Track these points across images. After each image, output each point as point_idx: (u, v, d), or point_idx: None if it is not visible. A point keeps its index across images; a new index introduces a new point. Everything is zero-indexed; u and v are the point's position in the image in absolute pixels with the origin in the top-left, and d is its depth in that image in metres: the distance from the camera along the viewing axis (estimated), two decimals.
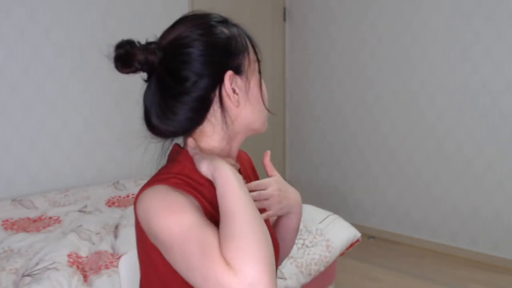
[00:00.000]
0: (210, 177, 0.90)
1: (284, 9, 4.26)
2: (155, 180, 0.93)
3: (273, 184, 1.03)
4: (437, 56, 3.41)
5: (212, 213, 0.91)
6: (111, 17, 3.11)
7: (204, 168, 0.91)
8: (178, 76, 0.92)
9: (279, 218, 1.13)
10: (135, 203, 0.93)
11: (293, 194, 1.07)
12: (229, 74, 0.94)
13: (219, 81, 0.94)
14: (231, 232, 0.79)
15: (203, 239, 0.80)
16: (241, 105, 0.96)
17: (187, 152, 0.99)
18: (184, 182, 0.92)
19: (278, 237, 1.11)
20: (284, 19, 4.27)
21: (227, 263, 0.76)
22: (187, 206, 0.86)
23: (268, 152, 1.08)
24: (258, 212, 0.84)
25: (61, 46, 2.91)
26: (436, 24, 3.40)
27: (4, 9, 2.68)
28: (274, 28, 4.22)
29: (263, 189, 1.01)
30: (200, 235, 0.80)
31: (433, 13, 3.40)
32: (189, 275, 0.80)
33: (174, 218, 0.83)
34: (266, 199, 1.01)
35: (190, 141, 0.98)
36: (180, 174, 0.94)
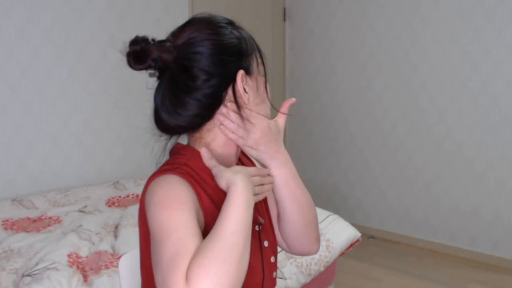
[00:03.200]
0: (225, 189, 0.90)
1: (284, 9, 4.26)
2: (163, 170, 0.94)
3: (265, 125, 0.99)
4: (437, 56, 3.41)
5: (212, 208, 0.93)
6: (111, 17, 3.11)
7: (224, 182, 0.90)
8: (192, 74, 0.94)
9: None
10: (143, 194, 0.94)
11: (274, 148, 1.02)
12: (241, 73, 0.97)
13: (231, 80, 0.97)
14: (207, 248, 0.77)
15: (182, 244, 0.79)
16: (250, 104, 0.99)
17: (191, 148, 1.01)
18: (188, 173, 0.94)
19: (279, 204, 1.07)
20: (284, 19, 4.27)
21: (188, 275, 0.74)
22: (185, 205, 0.86)
23: (294, 99, 1.07)
24: (248, 242, 0.82)
25: (61, 46, 2.91)
26: (436, 24, 3.40)
27: (4, 9, 2.68)
28: (274, 28, 4.22)
29: (252, 123, 0.98)
30: (181, 239, 0.80)
31: (433, 13, 3.40)
32: (154, 271, 0.82)
33: (168, 213, 0.84)
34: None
35: (204, 150, 0.97)
36: (185, 165, 0.95)
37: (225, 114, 0.97)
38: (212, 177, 0.95)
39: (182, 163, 0.96)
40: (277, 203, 1.06)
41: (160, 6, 3.35)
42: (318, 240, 1.11)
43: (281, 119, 1.04)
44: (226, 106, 0.97)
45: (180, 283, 0.74)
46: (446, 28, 3.35)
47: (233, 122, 0.97)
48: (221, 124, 0.98)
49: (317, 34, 4.08)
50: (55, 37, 2.88)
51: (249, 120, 0.97)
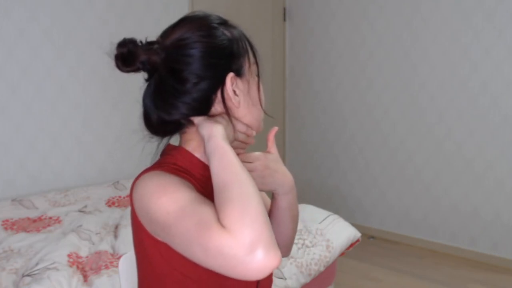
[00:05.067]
0: (205, 138, 0.91)
1: (284, 9, 4.26)
2: (149, 168, 0.95)
3: (262, 159, 1.03)
4: (437, 56, 3.41)
5: (206, 196, 0.92)
6: (111, 17, 3.11)
7: (205, 131, 0.92)
8: (180, 77, 0.93)
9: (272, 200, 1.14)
10: (131, 194, 0.93)
11: (281, 174, 1.05)
12: (230, 76, 0.95)
13: (221, 83, 0.95)
14: (226, 199, 0.79)
15: (199, 212, 0.80)
16: (241, 106, 0.98)
17: (181, 148, 1.00)
18: (177, 169, 0.94)
19: (271, 217, 1.11)
20: (284, 19, 4.27)
21: (225, 228, 0.76)
22: (180, 185, 0.87)
23: (276, 128, 1.09)
24: (253, 180, 0.84)
25: (61, 46, 2.91)
26: (436, 24, 3.40)
27: (4, 9, 2.68)
28: (274, 28, 4.22)
29: (250, 162, 1.02)
30: (195, 209, 0.81)
31: (433, 13, 3.40)
32: (190, 251, 0.80)
33: (168, 197, 0.84)
34: (250, 171, 1.00)
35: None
36: (174, 164, 0.96)
37: None
38: (201, 173, 0.96)
39: (171, 163, 0.96)
40: (276, 218, 1.10)
41: (160, 6, 3.35)
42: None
43: (272, 149, 1.07)
44: (215, 109, 0.96)
45: (223, 236, 0.75)
46: (446, 28, 3.35)
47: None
48: None
49: (317, 34, 4.08)
50: (55, 37, 2.88)
51: (245, 161, 1.00)
